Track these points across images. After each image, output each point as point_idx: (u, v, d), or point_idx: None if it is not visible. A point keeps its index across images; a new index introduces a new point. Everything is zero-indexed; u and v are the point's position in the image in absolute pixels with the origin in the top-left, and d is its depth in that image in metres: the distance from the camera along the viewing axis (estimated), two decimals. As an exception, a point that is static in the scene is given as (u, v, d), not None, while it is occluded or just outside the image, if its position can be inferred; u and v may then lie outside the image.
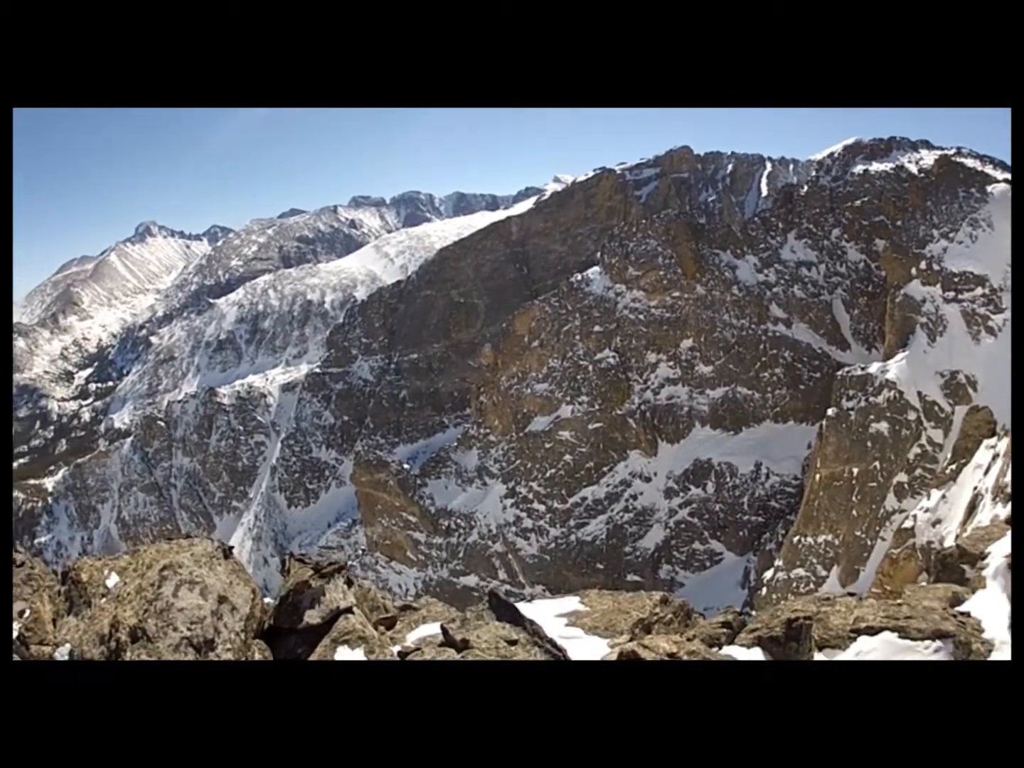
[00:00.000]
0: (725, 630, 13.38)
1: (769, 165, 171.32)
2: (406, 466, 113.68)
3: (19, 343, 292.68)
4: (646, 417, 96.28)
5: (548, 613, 15.94)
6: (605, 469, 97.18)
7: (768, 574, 76.98)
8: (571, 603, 17.01)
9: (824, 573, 71.48)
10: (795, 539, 74.92)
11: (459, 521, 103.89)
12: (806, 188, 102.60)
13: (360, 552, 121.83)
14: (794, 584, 72.96)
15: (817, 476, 73.61)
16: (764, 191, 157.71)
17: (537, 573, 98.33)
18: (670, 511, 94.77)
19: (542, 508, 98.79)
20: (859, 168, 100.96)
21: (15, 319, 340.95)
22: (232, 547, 13.45)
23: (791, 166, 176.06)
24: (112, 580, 11.87)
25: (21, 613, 11.98)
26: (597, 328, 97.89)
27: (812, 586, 71.56)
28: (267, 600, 13.36)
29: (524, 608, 14.02)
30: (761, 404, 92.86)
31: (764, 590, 75.69)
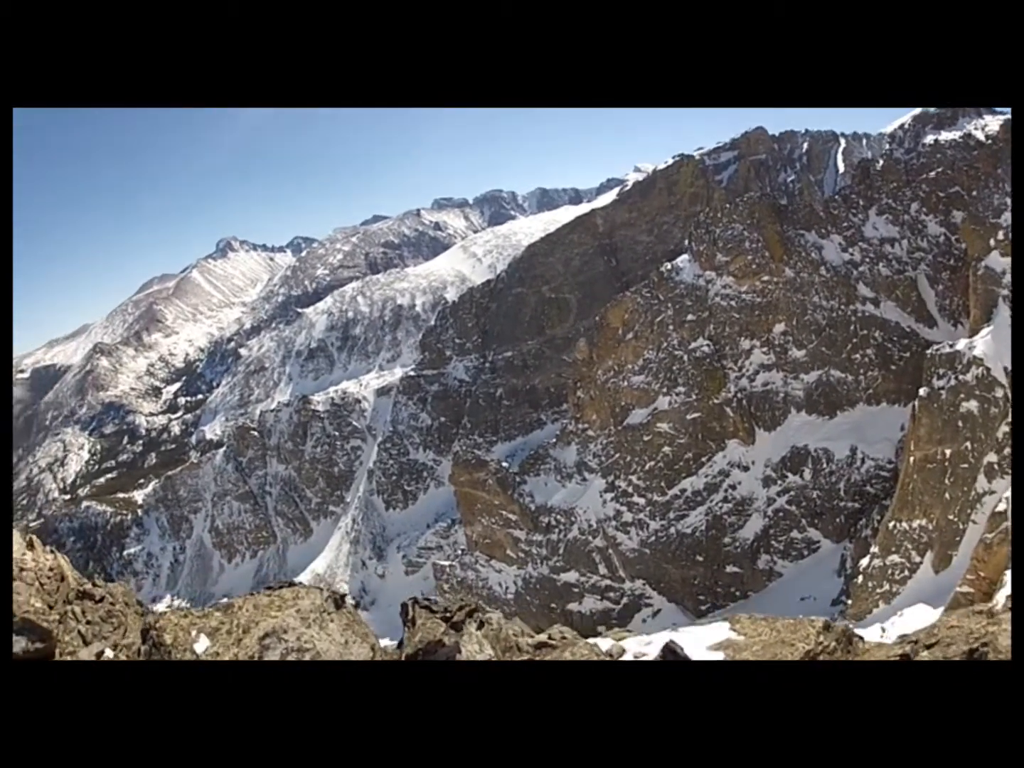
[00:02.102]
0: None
1: (843, 141, 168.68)
2: (505, 464, 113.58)
3: (102, 362, 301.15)
4: (743, 405, 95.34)
5: (699, 644, 15.32)
6: (704, 459, 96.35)
7: (864, 561, 75.62)
8: (721, 631, 16.22)
9: (918, 559, 70.03)
10: (890, 524, 73.45)
11: (559, 517, 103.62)
12: (881, 162, 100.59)
13: (460, 552, 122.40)
14: (889, 571, 71.59)
15: (911, 459, 72.08)
16: (841, 168, 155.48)
17: (637, 567, 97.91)
18: (768, 500, 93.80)
19: (642, 501, 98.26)
20: (929, 139, 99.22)
21: (96, 339, 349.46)
22: (345, 595, 12.67)
23: (864, 140, 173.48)
24: (201, 645, 10.93)
25: (99, 654, 11.98)
26: (690, 317, 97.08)
27: (907, 573, 70.30)
28: (385, 643, 13.02)
29: (671, 636, 13.74)
30: (854, 387, 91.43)
31: (860, 578, 74.40)
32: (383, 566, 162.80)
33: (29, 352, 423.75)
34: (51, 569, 12.63)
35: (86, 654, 11.83)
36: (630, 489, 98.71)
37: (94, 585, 13.83)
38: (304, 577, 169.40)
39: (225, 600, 12.38)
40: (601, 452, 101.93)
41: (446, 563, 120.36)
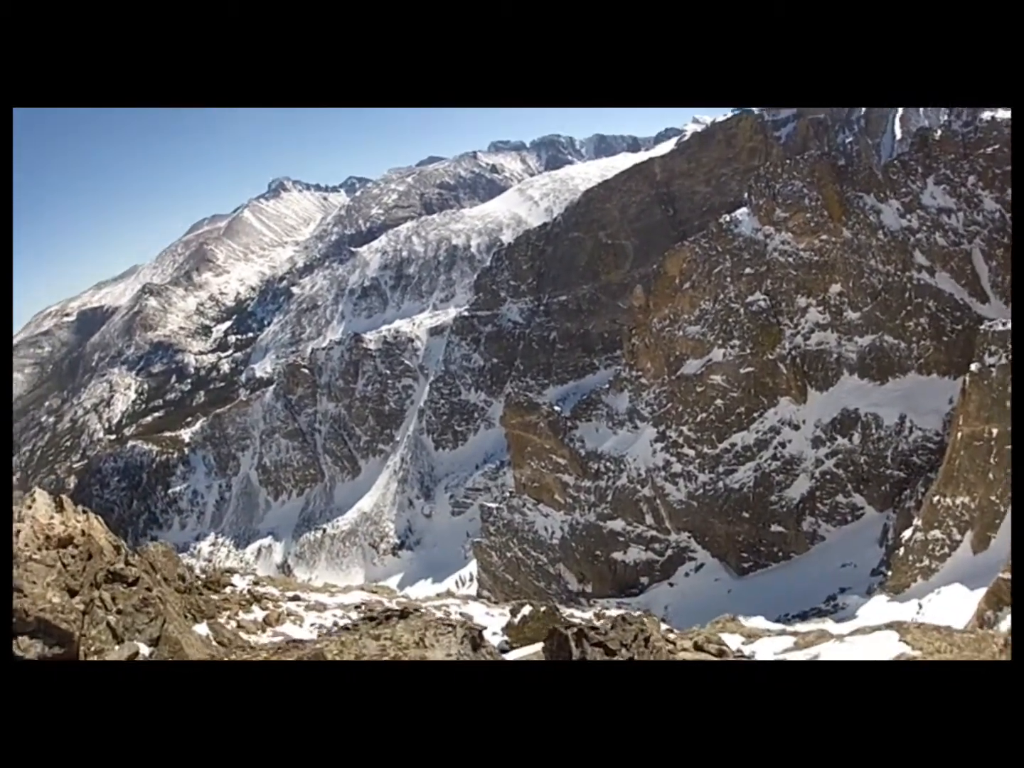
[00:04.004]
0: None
1: (900, 108, 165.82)
2: (557, 408, 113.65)
3: (151, 302, 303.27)
4: (796, 363, 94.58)
5: (868, 656, 14.04)
6: (755, 415, 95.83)
7: (906, 533, 74.82)
8: (889, 641, 14.79)
9: (959, 537, 69.26)
10: (934, 499, 72.44)
11: (608, 464, 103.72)
12: (939, 133, 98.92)
13: (507, 494, 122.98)
14: (930, 546, 70.92)
15: (958, 434, 70.99)
16: (898, 134, 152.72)
17: (684, 520, 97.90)
18: (816, 461, 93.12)
19: (692, 453, 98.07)
20: (987, 114, 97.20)
21: (145, 280, 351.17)
22: (483, 629, 11.76)
23: (921, 109, 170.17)
24: None
25: (133, 656, 11.08)
26: (748, 270, 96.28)
27: (946, 550, 69.79)
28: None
29: (836, 650, 13.34)
30: (906, 354, 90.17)
31: (901, 550, 73.68)
32: (430, 506, 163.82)
33: (76, 295, 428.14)
34: (83, 534, 11.83)
35: (116, 657, 10.86)
36: (680, 440, 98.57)
37: (127, 563, 12.64)
38: (350, 515, 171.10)
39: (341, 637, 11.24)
40: (653, 401, 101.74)
41: (493, 505, 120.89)
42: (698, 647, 12.46)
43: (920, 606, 62.66)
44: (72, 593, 10.78)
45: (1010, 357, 67.48)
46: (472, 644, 10.74)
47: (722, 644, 13.11)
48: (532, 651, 14.71)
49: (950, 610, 55.40)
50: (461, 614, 29.00)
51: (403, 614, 11.24)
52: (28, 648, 9.75)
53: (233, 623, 20.77)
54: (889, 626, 15.37)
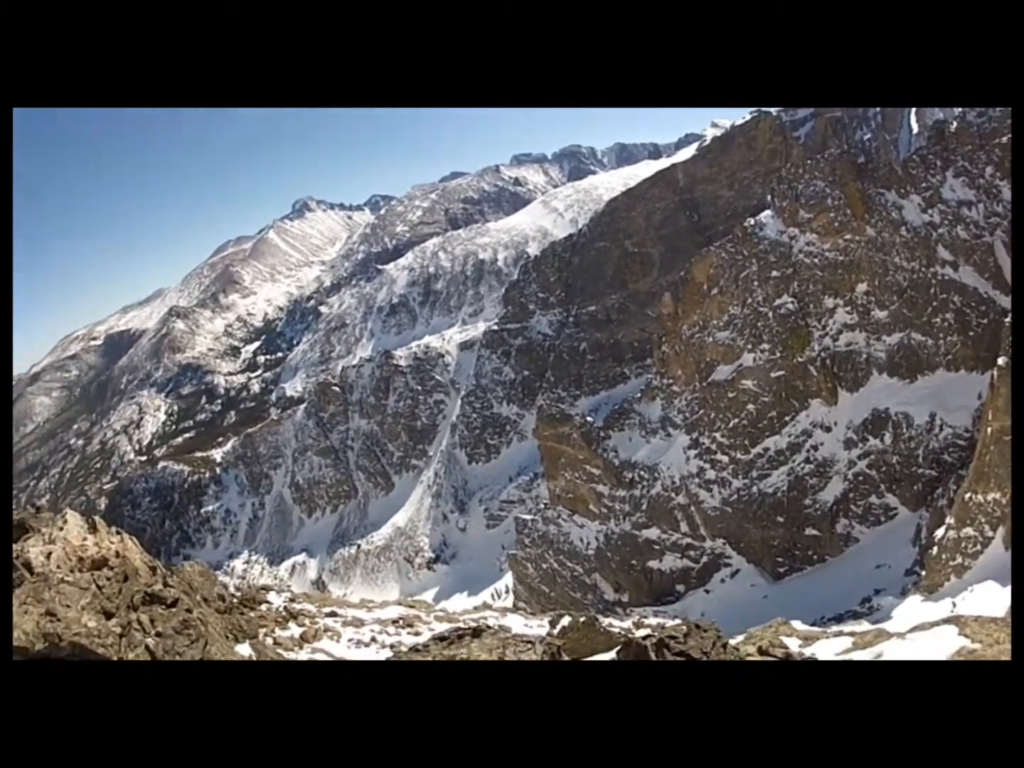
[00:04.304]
0: None
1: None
2: (589, 419, 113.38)
3: (178, 324, 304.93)
4: (826, 364, 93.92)
5: (927, 655, 13.77)
6: (787, 419, 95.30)
7: (939, 532, 73.84)
8: (949, 636, 14.66)
9: (991, 534, 68.44)
10: (966, 496, 71.47)
11: (643, 473, 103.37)
12: (955, 124, 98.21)
13: (542, 506, 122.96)
14: (963, 544, 69.98)
15: (988, 430, 70.17)
16: (915, 128, 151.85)
17: (718, 526, 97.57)
18: (849, 462, 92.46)
19: (725, 459, 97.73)
20: None
21: (171, 303, 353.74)
22: (560, 645, 11.32)
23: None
24: None
25: None
26: (774, 273, 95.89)
27: (979, 547, 68.86)
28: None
29: (898, 647, 12.97)
30: (934, 351, 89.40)
31: (935, 549, 72.81)
32: (464, 519, 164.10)
33: (102, 319, 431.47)
34: (117, 555, 11.57)
35: None
36: (714, 446, 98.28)
37: (165, 584, 12.31)
38: (385, 531, 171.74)
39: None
40: (685, 408, 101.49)
41: (528, 517, 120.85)
42: (763, 651, 12.24)
43: (954, 604, 62.05)
44: (108, 616, 10.50)
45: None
46: (552, 660, 10.37)
47: (785, 647, 12.88)
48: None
49: (984, 607, 54.90)
50: (500, 627, 29.02)
51: (476, 632, 10.77)
52: None
53: (270, 640, 20.81)
54: (947, 621, 15.20)
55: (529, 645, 9.61)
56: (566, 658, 10.16)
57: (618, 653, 10.86)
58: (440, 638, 10.47)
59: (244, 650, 14.92)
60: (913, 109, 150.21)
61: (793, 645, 13.58)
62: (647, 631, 31.94)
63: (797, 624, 25.08)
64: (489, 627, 10.59)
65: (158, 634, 11.11)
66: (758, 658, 11.21)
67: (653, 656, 10.03)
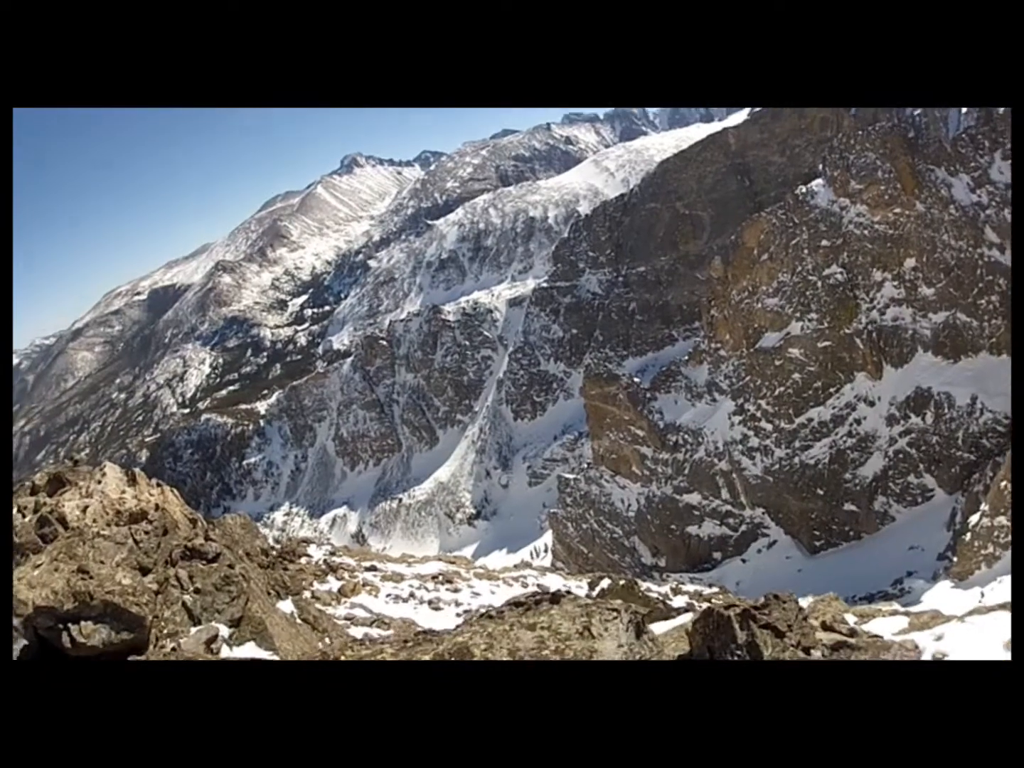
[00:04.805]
0: None
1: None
2: (636, 379, 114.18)
3: (225, 278, 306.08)
4: (872, 338, 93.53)
5: (986, 639, 13.09)
6: (832, 390, 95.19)
7: (973, 518, 73.45)
8: (1007, 621, 12.78)
9: None
10: (1002, 484, 70.85)
11: (687, 437, 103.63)
12: (1002, 108, 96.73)
13: (585, 465, 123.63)
14: (995, 533, 69.96)
15: None
16: (964, 107, 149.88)
17: (759, 495, 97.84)
18: (890, 439, 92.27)
19: (769, 427, 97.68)
20: None
21: (217, 257, 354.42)
22: (645, 615, 10.25)
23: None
24: None
25: (212, 640, 10.34)
26: (824, 243, 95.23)
27: (1010, 537, 67.57)
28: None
29: (959, 630, 12.43)
30: (979, 333, 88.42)
31: (968, 535, 72.83)
32: (507, 476, 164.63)
33: (147, 274, 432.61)
34: (156, 508, 11.34)
35: (193, 642, 10.08)
36: (759, 414, 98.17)
37: (207, 539, 11.92)
38: (427, 486, 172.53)
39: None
40: (732, 373, 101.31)
41: (571, 476, 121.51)
42: (826, 627, 12.11)
43: (983, 594, 61.89)
44: (145, 572, 10.24)
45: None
46: (636, 631, 9.57)
47: (847, 623, 12.65)
48: (675, 626, 14.44)
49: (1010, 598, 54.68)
50: (538, 586, 29.23)
51: (554, 598, 10.36)
52: (91, 635, 9.13)
53: (308, 593, 21.05)
54: (1003, 606, 14.93)
55: (615, 613, 9.30)
56: (648, 634, 9.78)
57: (695, 624, 10.62)
58: (516, 603, 10.14)
59: (286, 607, 14.85)
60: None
61: (850, 620, 13.49)
62: (686, 597, 32.12)
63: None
64: (568, 592, 10.12)
65: (197, 591, 10.79)
66: (822, 634, 11.07)
67: (737, 628, 9.83)
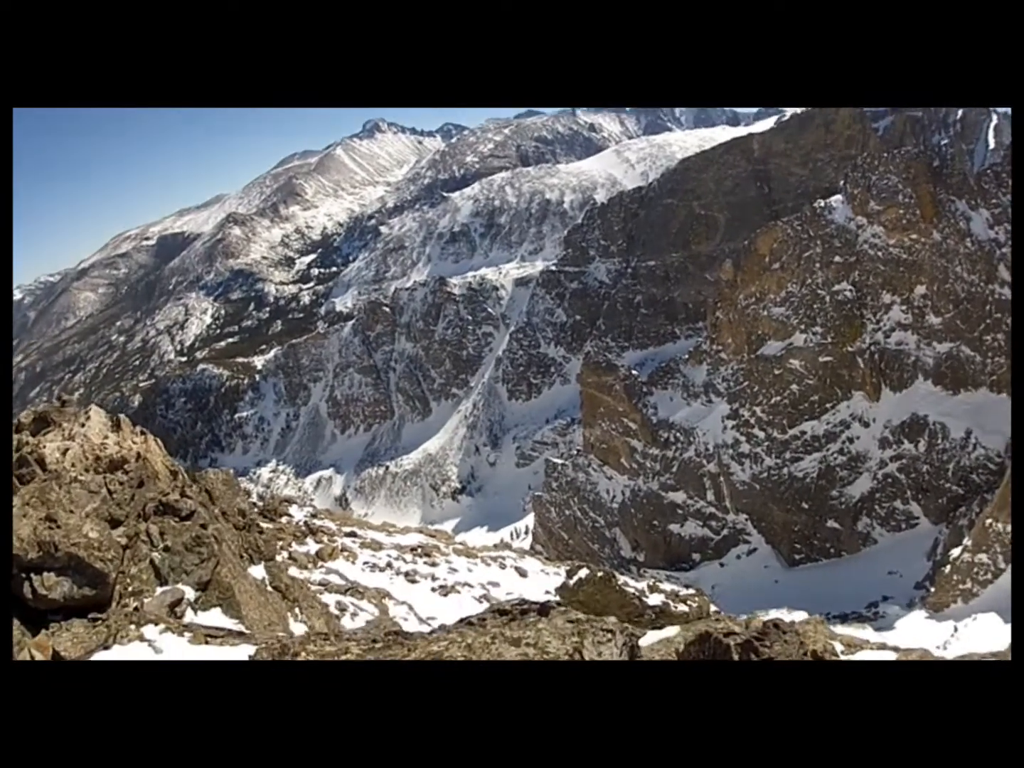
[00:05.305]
0: None
1: (995, 117, 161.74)
2: (634, 372, 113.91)
3: (235, 231, 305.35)
4: (874, 359, 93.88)
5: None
6: (828, 406, 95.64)
7: (955, 552, 73.73)
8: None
9: (1003, 566, 67.92)
10: (987, 521, 71.39)
11: (678, 435, 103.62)
12: None
13: (575, 452, 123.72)
14: (975, 570, 70.47)
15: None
16: (991, 144, 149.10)
17: (744, 501, 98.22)
18: (881, 462, 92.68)
19: (761, 435, 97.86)
20: None
21: (230, 209, 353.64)
22: (640, 636, 10.18)
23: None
24: None
25: (177, 602, 10.01)
26: (837, 259, 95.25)
27: (989, 576, 69.31)
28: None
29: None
30: (980, 368, 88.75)
31: (947, 568, 73.15)
32: (496, 454, 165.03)
33: (158, 220, 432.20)
34: (138, 457, 11.02)
35: (157, 603, 9.75)
36: (752, 420, 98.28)
37: (183, 494, 11.54)
38: (415, 456, 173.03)
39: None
40: (730, 377, 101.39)
41: (559, 461, 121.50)
42: (816, 656, 11.73)
43: (956, 629, 62.11)
44: (115, 524, 10.02)
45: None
46: (631, 654, 8.97)
47: (836, 655, 12.41)
48: (661, 638, 14.20)
49: (985, 638, 54.79)
50: (517, 568, 29.09)
51: (543, 610, 9.72)
52: (53, 587, 8.97)
53: (285, 554, 20.88)
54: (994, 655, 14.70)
55: (609, 635, 8.67)
56: (641, 657, 9.26)
57: (689, 646, 10.12)
58: (500, 611, 9.55)
59: (258, 572, 14.48)
60: (993, 123, 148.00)
61: (838, 649, 13.25)
62: (662, 596, 31.89)
63: (792, 614, 24.97)
64: (556, 605, 9.36)
65: (166, 548, 10.49)
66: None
67: (736, 658, 9.48)
